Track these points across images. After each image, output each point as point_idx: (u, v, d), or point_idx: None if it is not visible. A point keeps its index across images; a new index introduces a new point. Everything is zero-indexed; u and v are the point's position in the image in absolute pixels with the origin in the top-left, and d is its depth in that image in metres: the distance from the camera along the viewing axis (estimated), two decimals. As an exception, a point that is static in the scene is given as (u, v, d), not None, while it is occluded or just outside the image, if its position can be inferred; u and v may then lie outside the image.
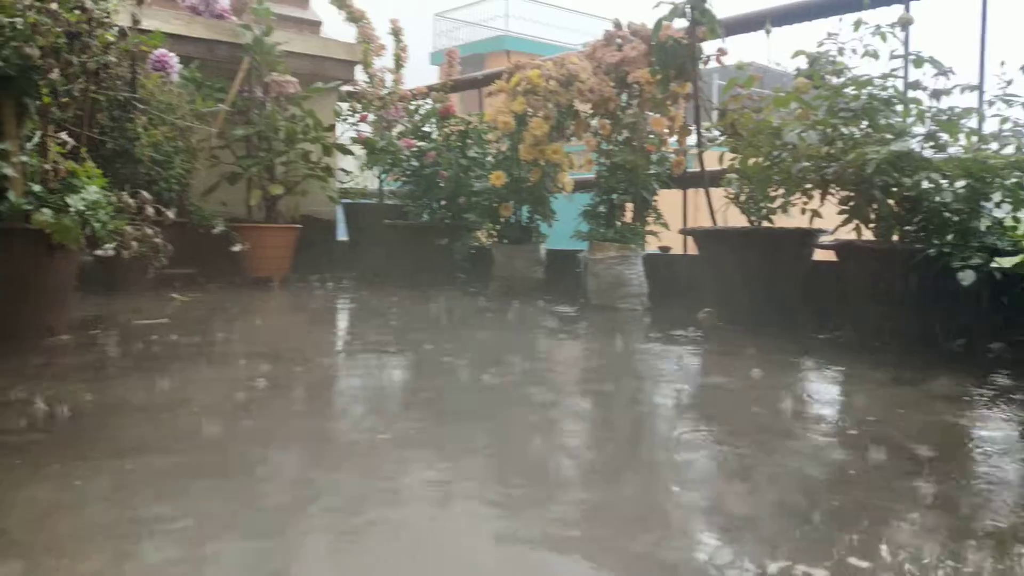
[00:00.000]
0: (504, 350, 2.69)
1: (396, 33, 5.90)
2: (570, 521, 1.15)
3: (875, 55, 2.97)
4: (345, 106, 5.63)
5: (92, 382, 2.03)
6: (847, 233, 2.88)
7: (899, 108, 2.81)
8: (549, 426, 1.72)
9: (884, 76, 2.84)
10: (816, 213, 2.96)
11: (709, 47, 3.68)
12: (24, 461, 1.36)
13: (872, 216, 2.73)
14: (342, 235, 5.81)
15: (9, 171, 2.36)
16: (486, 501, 1.22)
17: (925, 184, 2.52)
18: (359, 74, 5.70)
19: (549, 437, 1.62)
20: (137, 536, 1.07)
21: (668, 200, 4.11)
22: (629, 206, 3.98)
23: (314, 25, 5.95)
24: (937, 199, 2.51)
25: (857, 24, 2.92)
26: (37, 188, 2.48)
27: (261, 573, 0.98)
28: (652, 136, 3.84)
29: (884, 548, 1.06)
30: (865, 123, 2.73)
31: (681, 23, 3.65)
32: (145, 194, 2.63)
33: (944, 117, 2.71)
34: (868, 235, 2.82)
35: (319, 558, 1.03)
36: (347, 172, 5.84)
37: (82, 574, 0.95)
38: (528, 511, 1.19)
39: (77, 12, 2.39)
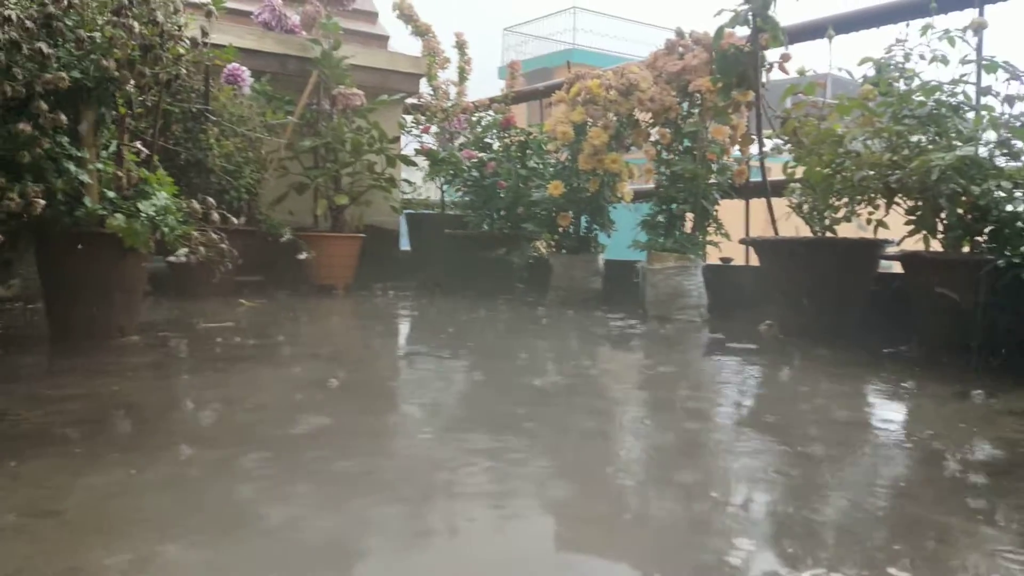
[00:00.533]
0: (560, 359, 2.69)
1: (460, 46, 5.98)
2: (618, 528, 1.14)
3: (944, 60, 2.87)
4: (409, 118, 5.73)
5: (156, 379, 2.11)
6: (914, 244, 2.79)
7: (970, 115, 2.71)
8: (602, 437, 1.71)
9: (954, 82, 2.75)
10: (881, 223, 2.88)
11: (772, 55, 3.62)
12: (85, 450, 1.43)
13: (940, 226, 2.64)
14: (405, 245, 5.90)
15: (86, 178, 2.48)
16: (540, 507, 1.23)
17: (996, 192, 2.42)
18: (423, 87, 5.80)
19: (603, 446, 1.62)
20: (183, 521, 1.11)
21: (730, 210, 4.05)
22: (690, 216, 3.93)
23: (382, 40, 6.08)
24: (1009, 208, 2.41)
25: (925, 29, 2.84)
26: (111, 194, 2.60)
27: (292, 565, 1.00)
28: (713, 145, 3.80)
29: (944, 564, 1.02)
30: (932, 130, 2.64)
31: (743, 31, 3.61)
32: (211, 200, 2.72)
33: (1018, 123, 2.60)
34: (937, 246, 2.73)
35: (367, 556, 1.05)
36: (410, 183, 5.95)
37: (127, 553, 0.99)
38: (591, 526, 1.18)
39: (150, 26, 2.50)
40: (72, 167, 2.44)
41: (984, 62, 2.81)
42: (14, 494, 1.19)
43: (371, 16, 6.25)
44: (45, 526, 1.07)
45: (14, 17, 2.20)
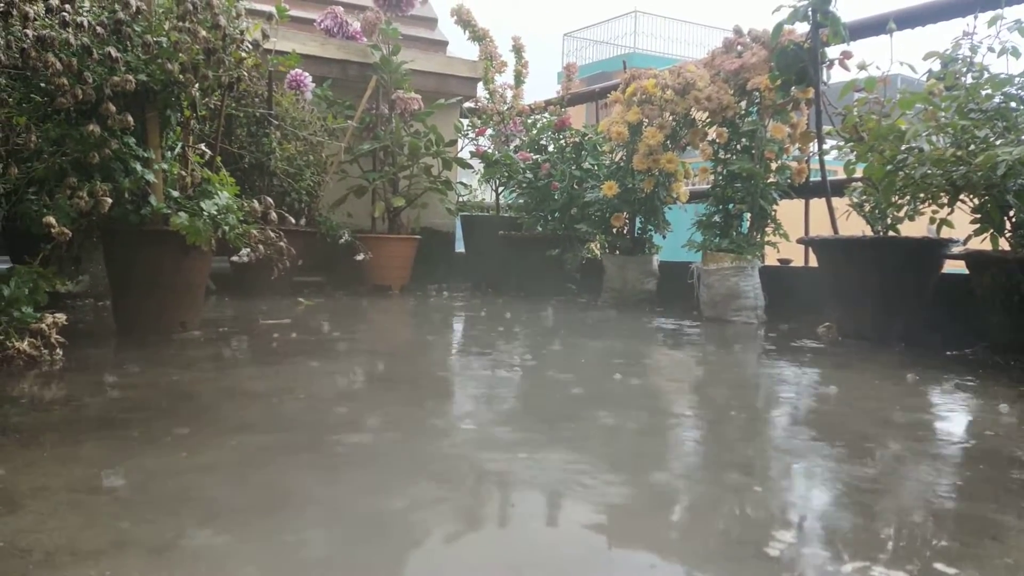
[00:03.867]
0: (612, 360, 2.67)
1: (517, 50, 6.02)
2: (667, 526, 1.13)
3: (1016, 53, 2.77)
4: (466, 121, 5.78)
5: (213, 371, 2.18)
6: (980, 243, 2.69)
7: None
8: (650, 439, 1.70)
9: (1024, 74, 2.64)
10: (945, 222, 2.78)
11: (832, 52, 3.54)
12: (140, 434, 1.48)
13: (1007, 224, 2.54)
14: (460, 247, 5.95)
15: (151, 177, 2.58)
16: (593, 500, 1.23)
17: (1069, 189, 2.32)
18: (480, 90, 5.85)
19: (651, 450, 1.60)
20: (229, 502, 1.14)
21: (789, 210, 3.97)
22: (748, 217, 3.87)
23: (440, 45, 6.16)
24: (1083, 205, 2.31)
25: (994, 20, 2.74)
26: (175, 194, 2.69)
27: (326, 544, 1.02)
28: (772, 143, 3.73)
29: (1000, 561, 0.98)
30: (1001, 124, 2.54)
31: (803, 28, 3.54)
32: (269, 200, 2.79)
33: (1094, 117, 2.49)
34: (1004, 246, 2.62)
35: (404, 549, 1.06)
36: (466, 186, 6.00)
37: (173, 529, 1.02)
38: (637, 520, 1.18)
39: (213, 31, 2.59)
40: (139, 167, 2.54)
41: (1058, 53, 2.70)
42: (71, 472, 1.24)
43: (430, 22, 6.34)
44: (98, 502, 1.12)
45: (86, 24, 2.31)
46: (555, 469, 1.33)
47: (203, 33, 2.55)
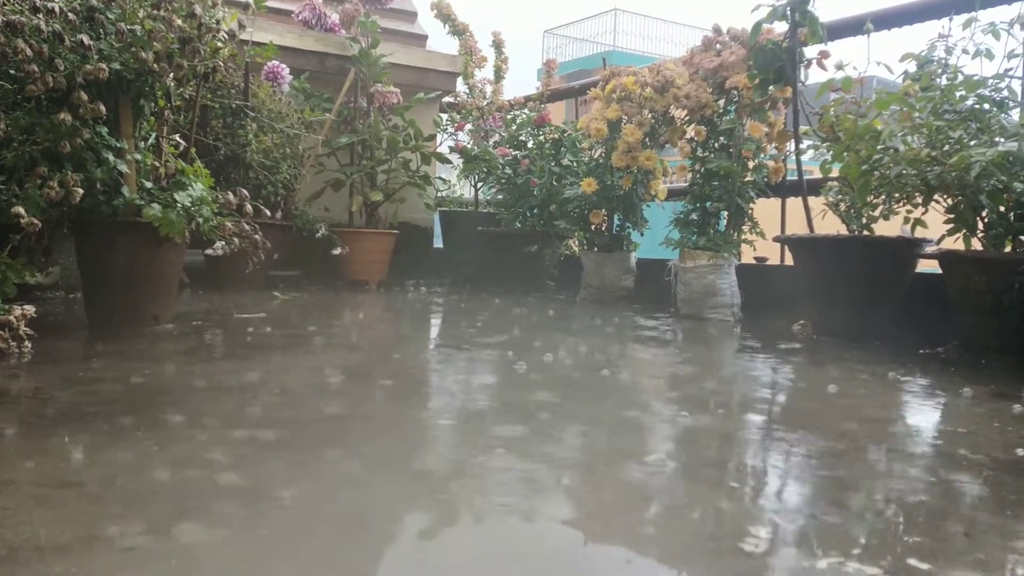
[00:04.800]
0: (593, 356, 2.67)
1: (497, 46, 6.00)
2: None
3: (989, 55, 2.80)
4: (445, 116, 5.76)
5: (186, 365, 2.15)
6: (953, 243, 2.72)
7: (1015, 110, 2.64)
8: (624, 436, 1.70)
9: (998, 76, 2.68)
10: (919, 222, 2.81)
11: (810, 52, 3.57)
12: (110, 428, 1.45)
13: (980, 224, 2.57)
14: (438, 243, 5.93)
15: (124, 168, 2.53)
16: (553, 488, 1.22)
17: (1040, 190, 2.35)
18: (460, 85, 5.83)
19: (627, 445, 1.60)
20: (200, 496, 1.12)
21: (766, 209, 3.99)
22: (725, 215, 3.89)
23: (420, 39, 6.13)
24: (1054, 206, 2.34)
25: (968, 22, 2.77)
26: (149, 185, 2.65)
27: (289, 539, 1.01)
28: (749, 142, 3.75)
29: (971, 556, 0.99)
30: (974, 125, 2.57)
31: (781, 27, 3.56)
32: (244, 192, 2.76)
33: (1066, 119, 2.52)
34: (977, 246, 2.66)
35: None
36: (445, 181, 5.98)
37: (143, 524, 1.00)
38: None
39: (189, 19, 2.55)
40: (111, 157, 2.50)
41: (1031, 56, 2.73)
42: (39, 466, 1.21)
43: (410, 16, 6.30)
44: (65, 496, 1.09)
45: (57, 9, 2.26)
46: (532, 462, 1.33)
47: (178, 22, 2.52)
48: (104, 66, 2.35)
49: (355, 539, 1.01)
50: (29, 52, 2.18)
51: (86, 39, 2.29)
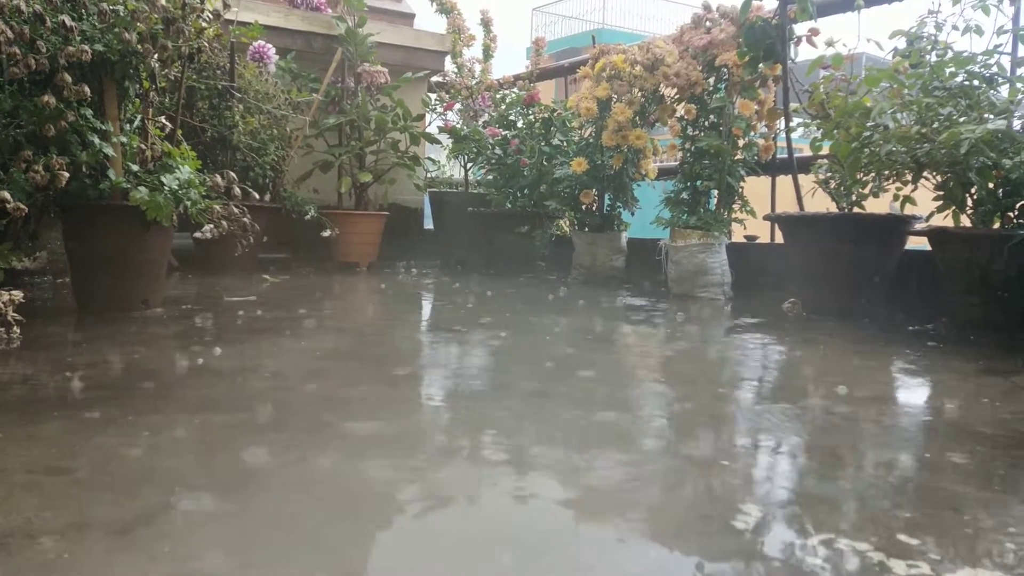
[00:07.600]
0: (584, 337, 2.67)
1: (486, 24, 5.94)
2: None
3: (979, 31, 2.79)
4: (434, 96, 5.72)
5: (176, 349, 2.14)
6: (943, 220, 2.73)
7: (1004, 87, 2.63)
8: (616, 414, 1.70)
9: (987, 53, 2.67)
10: (909, 199, 2.82)
11: (800, 29, 3.55)
12: (101, 414, 1.45)
13: (969, 201, 2.57)
14: (428, 224, 5.91)
15: (110, 151, 2.51)
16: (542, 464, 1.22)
17: (1029, 166, 2.35)
18: (448, 64, 5.78)
19: (616, 425, 1.61)
20: (191, 480, 1.12)
21: (756, 187, 3.99)
22: (715, 193, 3.89)
23: (408, 18, 6.07)
24: (1042, 182, 2.35)
25: (958, -2, 2.76)
26: (135, 168, 2.63)
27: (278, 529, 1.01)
28: (740, 120, 3.74)
29: (959, 532, 1.00)
30: (964, 102, 2.57)
31: (771, 4, 3.55)
32: (232, 174, 2.74)
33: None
34: (966, 222, 2.67)
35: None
36: (434, 161, 5.94)
37: (134, 509, 1.00)
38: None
39: (172, -1, 2.52)
40: (96, 140, 2.47)
41: (1021, 32, 2.73)
42: (28, 453, 1.21)
43: (397, -6, 6.23)
44: (56, 483, 1.09)
45: (37, -10, 2.22)
46: (524, 442, 1.33)
47: (162, 2, 2.48)
48: (87, 48, 2.31)
49: (348, 518, 1.01)
50: (10, 34, 2.15)
51: (68, 20, 2.26)
